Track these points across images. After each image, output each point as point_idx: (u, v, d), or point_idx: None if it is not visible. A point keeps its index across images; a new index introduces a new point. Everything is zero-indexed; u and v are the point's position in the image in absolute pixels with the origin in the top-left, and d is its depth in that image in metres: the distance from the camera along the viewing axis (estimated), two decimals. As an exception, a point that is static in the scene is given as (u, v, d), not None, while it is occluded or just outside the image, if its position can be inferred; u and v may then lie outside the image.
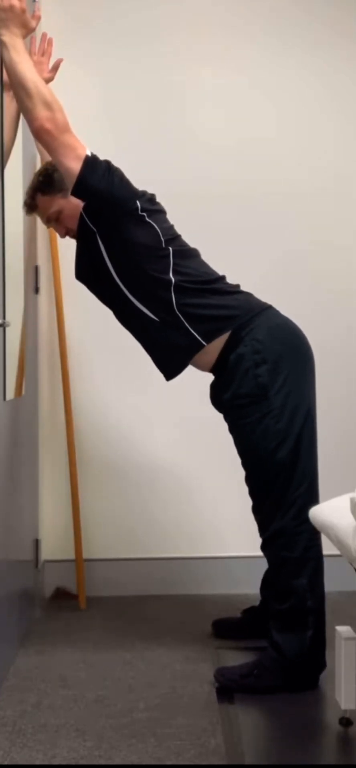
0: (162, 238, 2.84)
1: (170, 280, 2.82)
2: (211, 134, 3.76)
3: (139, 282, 2.85)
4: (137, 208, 2.82)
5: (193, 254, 2.93)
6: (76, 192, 2.78)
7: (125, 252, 2.84)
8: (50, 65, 3.06)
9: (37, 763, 2.30)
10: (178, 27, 3.76)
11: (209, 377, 2.95)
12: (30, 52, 2.93)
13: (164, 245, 2.84)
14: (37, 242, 3.68)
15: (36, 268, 3.67)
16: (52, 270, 3.68)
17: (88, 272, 2.95)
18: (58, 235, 3.53)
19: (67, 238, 3.22)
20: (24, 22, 2.70)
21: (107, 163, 2.81)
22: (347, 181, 3.83)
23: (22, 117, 2.98)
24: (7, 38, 2.68)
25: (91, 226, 2.84)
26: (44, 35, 3.05)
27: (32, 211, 3.11)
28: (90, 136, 2.88)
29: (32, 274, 3.60)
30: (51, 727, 2.48)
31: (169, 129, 3.74)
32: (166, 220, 2.93)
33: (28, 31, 2.74)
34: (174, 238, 2.90)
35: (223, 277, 2.94)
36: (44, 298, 3.72)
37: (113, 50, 3.74)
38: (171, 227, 2.93)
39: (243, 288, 2.95)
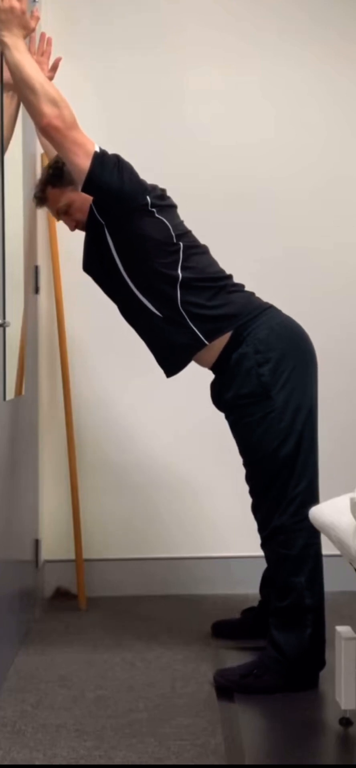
0: (173, 233, 2.84)
1: (178, 276, 2.82)
2: (210, 133, 3.76)
3: (145, 276, 2.85)
4: (147, 203, 2.82)
5: (203, 251, 2.93)
6: (86, 189, 2.78)
7: (133, 246, 2.84)
8: (49, 64, 3.05)
9: (37, 763, 2.30)
10: (177, 28, 3.76)
11: (211, 376, 2.95)
12: (29, 53, 2.93)
13: (175, 240, 2.84)
14: (37, 242, 3.68)
15: (36, 268, 3.67)
16: (52, 270, 3.68)
17: (95, 265, 2.95)
18: (58, 235, 3.54)
19: (68, 237, 3.22)
20: (24, 23, 2.70)
21: (117, 158, 2.80)
22: (346, 180, 3.83)
23: (20, 116, 2.99)
24: (9, 39, 2.67)
25: (99, 218, 2.85)
26: (43, 35, 3.05)
27: (42, 203, 3.12)
28: (89, 136, 2.88)
29: (32, 274, 3.60)
30: (51, 727, 2.48)
31: (168, 128, 3.74)
32: (177, 216, 2.93)
33: (28, 31, 2.74)
34: (185, 233, 2.91)
35: (230, 276, 2.94)
36: (44, 298, 3.72)
37: (111, 51, 3.74)
38: (182, 222, 2.93)
39: (245, 287, 2.95)
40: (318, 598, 2.78)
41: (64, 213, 3.06)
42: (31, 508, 3.50)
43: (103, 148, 2.79)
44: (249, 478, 2.90)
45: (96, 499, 3.74)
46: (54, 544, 3.74)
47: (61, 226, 3.29)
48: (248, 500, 2.91)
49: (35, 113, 2.73)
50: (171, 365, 2.95)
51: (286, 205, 3.79)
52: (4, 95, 2.83)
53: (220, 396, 2.90)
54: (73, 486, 3.66)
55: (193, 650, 3.07)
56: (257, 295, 2.95)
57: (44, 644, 3.15)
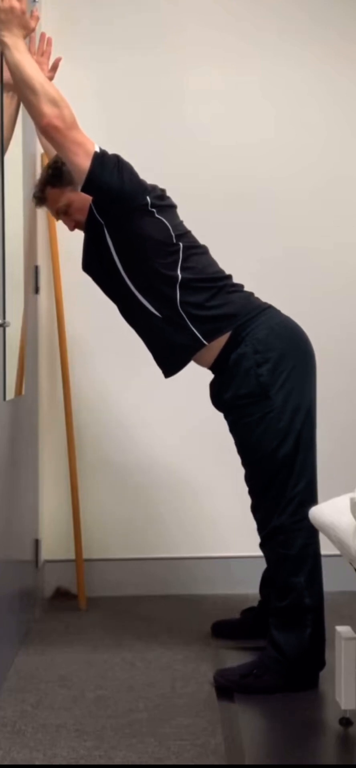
0: (172, 234, 2.84)
1: (177, 277, 2.82)
2: (210, 133, 3.76)
3: (145, 277, 2.85)
4: (147, 204, 2.82)
5: (202, 251, 2.93)
6: (86, 189, 2.78)
7: (133, 246, 2.84)
8: (49, 65, 3.05)
9: (37, 763, 2.30)
10: (177, 28, 3.76)
11: (211, 376, 2.95)
12: (29, 53, 2.92)
13: (174, 240, 2.84)
14: (37, 242, 3.68)
15: (36, 268, 3.67)
16: (52, 270, 3.68)
17: (94, 264, 2.95)
18: (58, 235, 3.54)
19: (68, 237, 3.22)
20: (24, 23, 2.70)
21: (117, 158, 2.80)
22: (346, 180, 3.83)
23: (20, 116, 2.99)
24: (9, 39, 2.67)
25: (99, 218, 2.85)
26: (43, 35, 3.05)
27: (42, 204, 3.13)
28: (89, 136, 2.88)
29: (32, 274, 3.60)
30: (51, 727, 2.48)
31: (168, 128, 3.74)
32: (176, 216, 2.93)
33: (28, 31, 2.73)
34: (185, 233, 2.91)
35: (229, 277, 2.94)
36: (44, 298, 3.72)
37: (111, 51, 3.74)
38: (181, 223, 2.93)
39: (245, 287, 2.95)
40: (318, 598, 2.78)
41: (63, 213, 3.06)
42: (31, 508, 3.50)
43: (103, 148, 2.79)
44: (248, 479, 2.90)
45: (96, 499, 3.74)
46: (54, 544, 3.74)
47: (61, 226, 3.29)
48: (248, 500, 2.91)
49: (35, 113, 2.73)
50: (170, 365, 2.95)
51: (286, 205, 3.79)
52: (4, 95, 2.83)
53: (219, 396, 2.90)
54: (73, 486, 3.66)
55: (193, 650, 3.07)
56: (257, 295, 2.95)
57: (44, 644, 3.15)
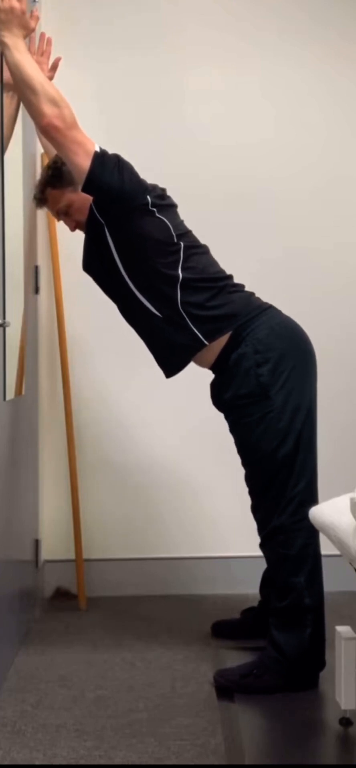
0: (173, 233, 2.84)
1: (178, 276, 2.82)
2: (210, 133, 3.76)
3: (145, 277, 2.85)
4: (147, 203, 2.82)
5: (203, 251, 2.93)
6: (87, 189, 2.78)
7: (133, 246, 2.84)
8: (49, 64, 3.05)
9: (37, 763, 2.30)
10: (177, 28, 3.76)
11: (211, 376, 2.95)
12: (29, 53, 2.92)
13: (175, 240, 2.84)
14: (37, 242, 3.68)
15: (36, 268, 3.67)
16: (52, 270, 3.68)
17: (95, 264, 2.94)
18: (58, 235, 3.53)
19: (68, 237, 3.21)
20: (24, 23, 2.70)
21: (117, 158, 2.80)
22: (346, 180, 3.83)
23: (20, 116, 2.99)
24: (9, 39, 2.67)
25: (99, 218, 2.85)
26: (43, 35, 3.05)
27: (42, 204, 3.13)
28: (89, 136, 2.88)
29: (32, 274, 3.60)
30: (51, 727, 2.48)
31: (168, 128, 3.74)
32: (177, 215, 2.93)
33: (28, 31, 2.74)
34: (185, 233, 2.91)
35: (230, 277, 2.94)
36: (44, 298, 3.72)
37: (111, 51, 3.74)
38: (182, 222, 2.93)
39: (245, 287, 2.95)
40: (318, 598, 2.78)
41: (64, 214, 3.06)
42: (31, 508, 3.50)
43: (103, 147, 2.79)
44: (249, 479, 2.90)
45: (96, 499, 3.74)
46: (54, 544, 3.74)
47: (61, 226, 3.29)
48: (248, 500, 2.91)
49: (35, 113, 2.73)
50: (171, 365, 2.95)
51: (286, 205, 3.80)
52: (4, 95, 2.83)
53: (219, 396, 2.90)
54: (73, 486, 3.66)
55: (193, 650, 3.07)
56: (258, 295, 2.95)
57: (44, 644, 3.15)
